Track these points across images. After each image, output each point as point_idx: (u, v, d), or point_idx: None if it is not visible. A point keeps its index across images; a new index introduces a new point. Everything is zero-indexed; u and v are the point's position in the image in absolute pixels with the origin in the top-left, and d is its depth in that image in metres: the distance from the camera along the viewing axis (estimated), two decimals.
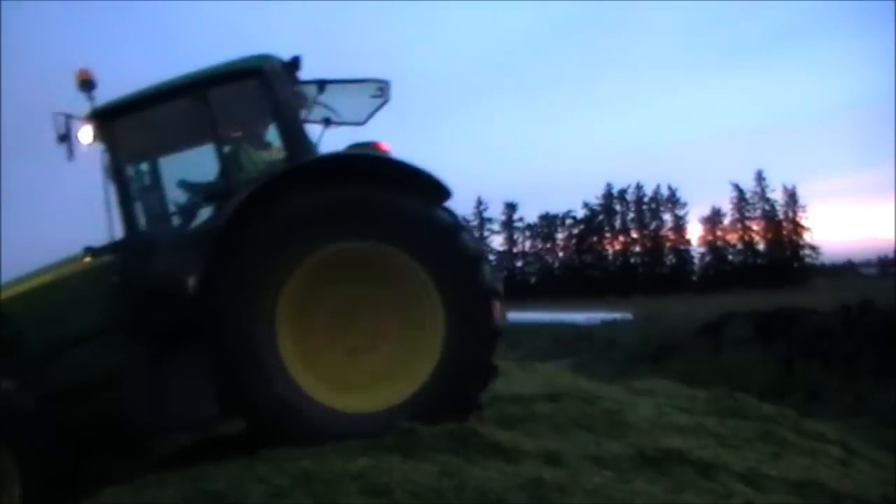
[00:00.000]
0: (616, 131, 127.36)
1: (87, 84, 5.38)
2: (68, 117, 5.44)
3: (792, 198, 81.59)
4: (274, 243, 4.89)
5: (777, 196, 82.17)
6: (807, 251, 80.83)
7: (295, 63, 5.69)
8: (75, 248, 5.82)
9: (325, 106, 6.02)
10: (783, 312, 19.02)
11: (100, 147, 5.62)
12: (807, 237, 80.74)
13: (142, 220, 5.71)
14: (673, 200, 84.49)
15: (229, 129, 5.84)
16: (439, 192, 5.03)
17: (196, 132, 5.96)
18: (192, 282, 5.19)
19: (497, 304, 4.94)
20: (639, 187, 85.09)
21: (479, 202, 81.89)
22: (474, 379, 4.94)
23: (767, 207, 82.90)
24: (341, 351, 5.10)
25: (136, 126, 5.72)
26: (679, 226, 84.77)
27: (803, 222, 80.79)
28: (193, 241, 5.45)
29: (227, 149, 5.76)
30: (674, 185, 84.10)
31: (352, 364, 5.09)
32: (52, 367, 5.35)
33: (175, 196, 6.06)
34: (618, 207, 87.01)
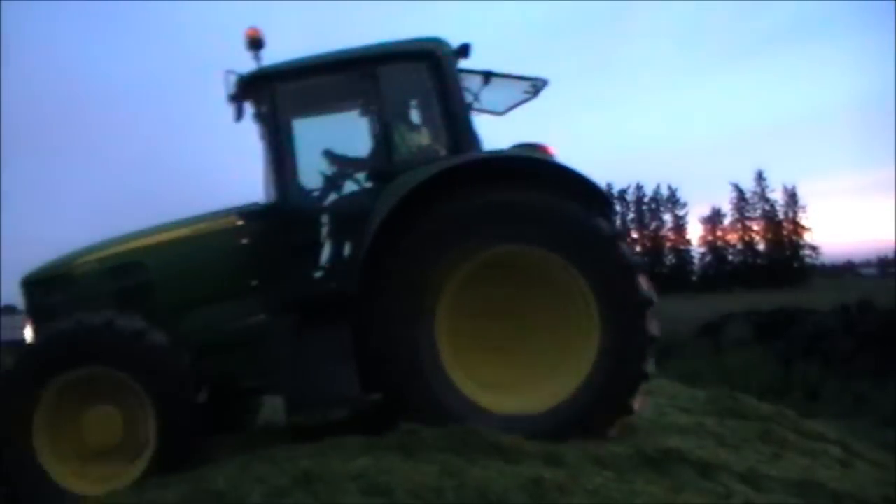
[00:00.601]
0: (616, 131, 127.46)
1: (255, 43, 5.36)
2: (241, 77, 5.45)
3: (792, 198, 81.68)
4: (440, 240, 4.90)
5: (777, 196, 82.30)
6: (807, 251, 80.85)
7: (464, 50, 5.65)
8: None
9: (469, 90, 5.90)
10: (783, 312, 19.06)
11: (259, 107, 5.61)
12: (807, 237, 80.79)
13: (289, 186, 5.62)
14: (673, 200, 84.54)
15: (392, 107, 5.74)
16: (601, 200, 5.08)
17: (359, 106, 6.01)
18: (337, 259, 5.28)
19: (651, 314, 4.93)
20: (639, 187, 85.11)
21: None
22: (625, 386, 4.92)
23: (767, 207, 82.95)
24: (493, 352, 5.09)
25: (301, 91, 5.72)
26: (679, 226, 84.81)
27: (803, 222, 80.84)
28: (343, 217, 5.47)
29: (386, 127, 5.66)
30: (674, 185, 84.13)
31: (503, 366, 5.07)
32: (182, 320, 5.37)
33: (324, 166, 5.97)
34: (618, 207, 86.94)
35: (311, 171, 5.82)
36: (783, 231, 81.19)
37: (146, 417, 4.89)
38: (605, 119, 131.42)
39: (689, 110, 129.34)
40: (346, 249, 5.43)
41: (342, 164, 5.91)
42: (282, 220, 5.44)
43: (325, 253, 5.55)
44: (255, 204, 5.78)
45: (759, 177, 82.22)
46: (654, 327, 4.91)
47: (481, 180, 4.91)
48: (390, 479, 3.76)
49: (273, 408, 8.73)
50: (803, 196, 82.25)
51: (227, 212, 5.79)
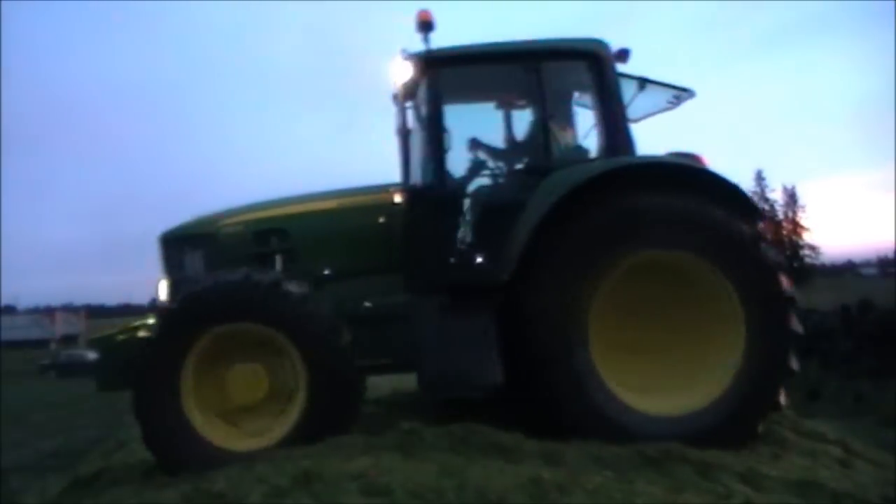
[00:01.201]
0: None
1: (426, 25, 5.40)
2: (411, 56, 5.50)
3: (792, 198, 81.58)
4: (599, 240, 4.97)
5: (777, 196, 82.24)
6: (807, 251, 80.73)
7: (623, 55, 5.73)
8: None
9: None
10: None
11: (417, 88, 5.66)
12: (807, 237, 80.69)
13: (443, 169, 5.63)
14: None
15: (551, 103, 5.78)
16: (747, 206, 5.20)
17: (519, 98, 6.05)
18: (486, 246, 5.33)
19: (792, 311, 5.08)
20: None
21: None
22: (773, 383, 5.06)
23: (767, 207, 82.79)
24: (639, 353, 5.17)
25: (465, 77, 5.79)
26: None
27: (803, 222, 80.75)
28: (495, 206, 5.51)
29: (544, 122, 5.70)
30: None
31: (650, 367, 5.15)
32: (320, 291, 5.36)
33: (476, 153, 6.04)
34: None
35: (463, 157, 5.92)
36: (783, 231, 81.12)
37: (291, 374, 4.92)
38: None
39: (689, 110, 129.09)
40: (497, 238, 5.42)
41: (494, 154, 6.02)
42: (432, 203, 5.48)
43: (475, 239, 5.60)
44: (405, 184, 5.79)
45: (759, 177, 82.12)
46: (796, 324, 5.07)
47: (635, 184, 5.03)
48: (390, 478, 3.76)
49: None
50: (803, 196, 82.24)
51: (376, 189, 5.91)
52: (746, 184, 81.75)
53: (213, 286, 4.98)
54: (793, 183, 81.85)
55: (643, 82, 5.97)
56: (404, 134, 5.97)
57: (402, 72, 5.55)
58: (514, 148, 6.07)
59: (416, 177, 5.76)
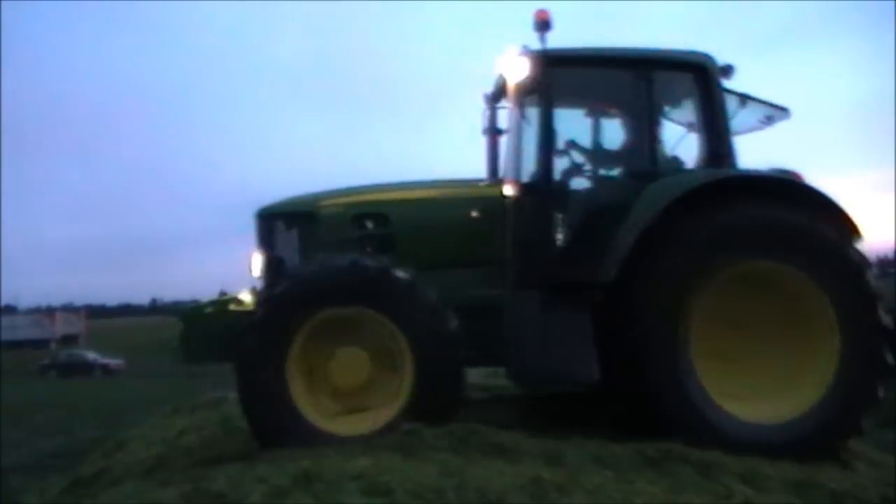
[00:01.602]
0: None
1: (543, 24, 5.47)
2: (527, 52, 5.55)
3: None
4: (705, 248, 5.12)
5: None
6: None
7: (728, 70, 5.88)
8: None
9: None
10: None
11: (531, 86, 5.66)
12: None
13: (549, 167, 5.73)
14: None
15: (658, 111, 5.97)
16: (851, 227, 5.33)
17: (627, 104, 6.13)
18: (588, 246, 5.40)
19: (881, 307, 5.26)
20: None
21: None
22: (871, 380, 5.20)
23: None
24: (735, 360, 5.29)
25: (575, 79, 5.92)
26: None
27: None
28: (598, 207, 5.63)
29: (651, 129, 5.88)
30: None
31: (746, 374, 5.27)
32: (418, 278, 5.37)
33: (579, 154, 6.12)
34: None
35: (566, 156, 6.01)
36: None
37: (396, 360, 4.96)
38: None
39: None
40: (598, 237, 5.47)
41: (592, 156, 6.13)
42: (540, 199, 5.57)
43: (576, 237, 5.66)
44: (508, 179, 5.85)
45: None
46: (885, 318, 5.24)
47: (741, 195, 5.18)
48: (390, 478, 3.75)
49: None
50: None
51: (475, 182, 6.03)
52: None
53: (322, 270, 5.00)
54: None
55: (744, 98, 6.13)
56: (493, 131, 6.24)
57: (517, 68, 5.61)
58: (611, 152, 6.18)
59: (511, 173, 5.87)
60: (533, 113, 5.75)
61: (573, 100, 6.33)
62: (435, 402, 4.84)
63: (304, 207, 5.92)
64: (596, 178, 6.09)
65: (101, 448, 8.51)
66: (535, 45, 5.50)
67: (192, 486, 3.96)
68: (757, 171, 5.58)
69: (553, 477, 3.87)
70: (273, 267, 5.79)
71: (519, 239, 5.51)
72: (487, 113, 6.72)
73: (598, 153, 6.19)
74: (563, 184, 5.92)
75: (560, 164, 5.95)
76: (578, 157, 6.07)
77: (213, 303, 6.01)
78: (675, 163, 5.97)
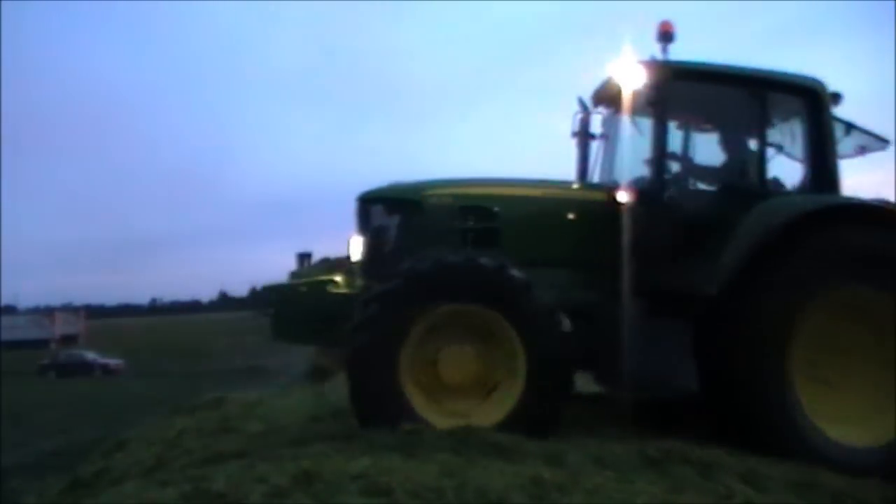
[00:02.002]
0: None
1: (667, 36, 5.57)
2: (647, 61, 5.65)
3: None
4: (813, 270, 5.18)
5: None
6: None
7: (836, 98, 5.97)
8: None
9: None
10: None
11: (646, 95, 5.77)
12: None
13: (657, 178, 5.83)
14: None
15: (769, 131, 6.03)
16: None
17: (738, 122, 6.17)
18: (693, 258, 5.43)
19: None
20: None
21: None
22: None
23: None
24: (831, 382, 5.35)
25: (690, 92, 5.96)
26: None
27: None
28: (703, 221, 5.64)
29: (762, 148, 5.95)
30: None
31: (841, 397, 5.33)
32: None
33: (685, 167, 6.22)
34: None
35: (672, 167, 6.07)
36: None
37: (505, 358, 4.98)
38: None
39: None
40: (701, 249, 5.51)
41: (699, 169, 6.20)
42: (645, 208, 5.61)
43: (680, 248, 5.66)
44: (620, 185, 5.89)
45: None
46: None
47: (845, 221, 5.26)
48: (390, 479, 3.75)
49: (273, 407, 8.74)
50: None
51: (584, 185, 6.14)
52: None
53: (440, 266, 4.99)
54: None
55: (849, 127, 6.22)
56: (585, 135, 6.34)
57: (636, 77, 5.71)
58: (714, 167, 6.22)
59: (613, 179, 5.97)
60: (641, 122, 5.87)
61: (681, 112, 6.35)
62: (544, 401, 4.87)
63: (410, 195, 5.91)
64: (699, 191, 6.16)
65: (101, 448, 8.52)
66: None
67: (192, 486, 3.96)
68: (866, 200, 5.68)
69: (553, 477, 3.87)
70: (375, 253, 5.83)
71: (625, 245, 5.52)
72: (580, 116, 6.77)
73: (700, 166, 6.25)
74: (671, 194, 5.94)
75: (654, 174, 5.96)
76: (681, 169, 6.14)
77: (308, 283, 6.04)
78: (778, 184, 6.03)
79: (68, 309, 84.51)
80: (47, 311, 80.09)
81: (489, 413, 4.91)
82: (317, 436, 5.06)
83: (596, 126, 6.79)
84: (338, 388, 9.73)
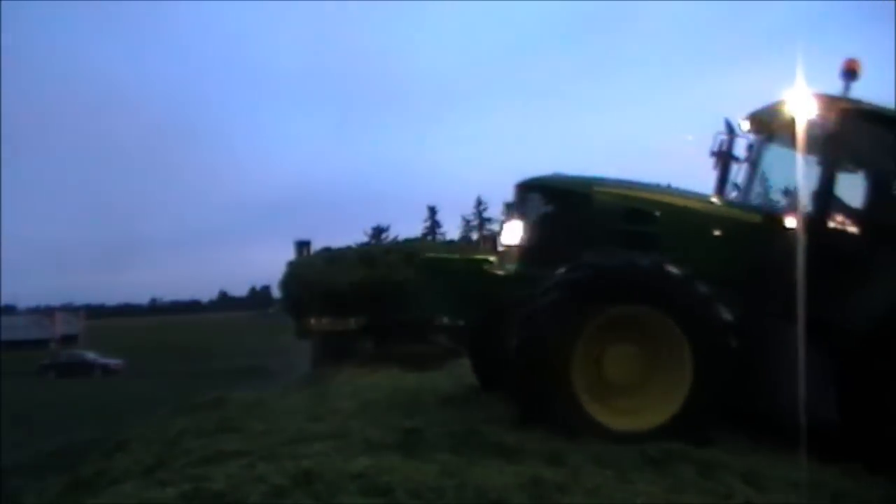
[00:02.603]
0: (616, 131, 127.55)
1: (851, 73, 5.61)
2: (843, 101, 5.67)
3: None
4: None
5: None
6: None
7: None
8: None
9: None
10: None
11: (822, 131, 5.78)
12: None
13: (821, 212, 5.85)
14: None
15: None
16: None
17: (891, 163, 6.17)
18: (846, 291, 5.43)
19: None
20: None
21: (479, 202, 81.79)
22: None
23: None
24: None
25: (863, 132, 5.97)
26: None
27: None
28: (848, 254, 5.70)
29: None
30: (674, 185, 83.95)
31: None
32: None
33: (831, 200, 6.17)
34: None
35: (826, 200, 6.01)
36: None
37: (671, 361, 5.01)
38: (606, 119, 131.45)
39: (689, 110, 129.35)
40: (855, 286, 5.53)
41: (855, 209, 6.17)
42: (805, 236, 5.54)
43: (833, 280, 5.59)
44: (778, 211, 6.01)
45: None
46: None
47: None
48: (390, 478, 3.75)
49: (273, 407, 8.73)
50: None
51: (740, 205, 6.18)
52: None
53: (624, 266, 5.04)
54: None
55: None
56: (728, 157, 6.45)
57: (812, 110, 5.76)
58: (867, 204, 6.19)
59: (765, 204, 6.13)
60: (794, 152, 5.92)
61: (846, 150, 6.27)
62: (715, 400, 4.90)
63: (577, 188, 5.97)
64: (852, 226, 6.12)
65: (101, 448, 8.50)
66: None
67: (192, 486, 3.96)
68: None
69: (553, 477, 3.87)
70: (536, 241, 5.86)
71: (780, 268, 5.53)
72: (724, 137, 6.78)
73: (849, 204, 6.23)
74: (830, 226, 5.96)
75: (814, 206, 5.96)
76: (835, 203, 6.11)
77: (465, 259, 6.21)
78: None
79: (68, 309, 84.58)
80: (47, 311, 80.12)
81: (655, 412, 4.95)
82: (317, 436, 5.04)
83: (739, 149, 6.86)
84: (339, 389, 9.73)
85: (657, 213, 5.84)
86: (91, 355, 46.57)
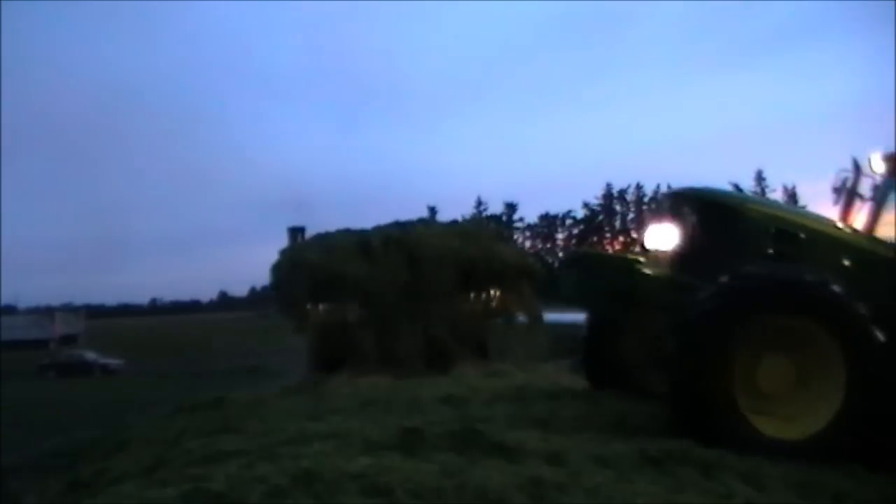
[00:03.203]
0: (616, 131, 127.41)
1: None
2: None
3: (792, 198, 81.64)
4: None
5: (777, 196, 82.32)
6: None
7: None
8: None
9: None
10: None
11: None
12: None
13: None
14: None
15: None
16: None
17: None
18: None
19: None
20: (639, 187, 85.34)
21: (479, 202, 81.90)
22: None
23: None
24: None
25: None
26: None
27: None
28: None
29: None
30: (674, 186, 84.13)
31: None
32: None
33: None
34: (618, 207, 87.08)
35: None
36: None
37: (824, 372, 5.05)
38: (605, 119, 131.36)
39: (689, 110, 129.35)
40: None
41: None
42: None
43: None
44: None
45: (759, 177, 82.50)
46: None
47: None
48: (390, 478, 3.75)
49: (273, 407, 8.72)
50: (803, 196, 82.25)
51: (878, 240, 6.21)
52: (746, 184, 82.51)
53: (792, 279, 5.15)
54: (793, 183, 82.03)
55: None
56: (852, 194, 6.58)
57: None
58: None
59: None
60: None
61: None
62: (867, 406, 4.92)
63: (731, 203, 6.25)
64: None
65: (101, 448, 8.49)
66: None
67: (192, 486, 3.96)
68: None
69: (553, 477, 3.86)
70: (689, 249, 6.02)
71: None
72: (850, 175, 6.84)
73: None
74: None
75: None
76: None
77: (618, 257, 6.65)
78: None
79: (68, 309, 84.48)
80: (47, 311, 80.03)
81: (811, 422, 5.00)
82: (317, 436, 5.04)
83: (864, 187, 6.87)
84: (339, 389, 9.72)
85: (802, 235, 5.99)
86: (91, 355, 46.52)
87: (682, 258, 6.10)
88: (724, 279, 5.19)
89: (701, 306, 5.10)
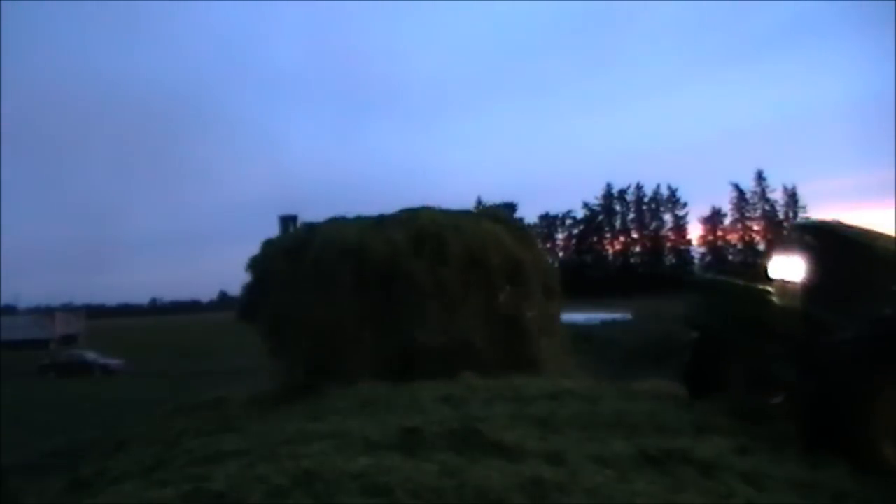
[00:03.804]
0: (616, 131, 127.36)
1: None
2: None
3: (792, 198, 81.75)
4: None
5: (777, 196, 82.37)
6: None
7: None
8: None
9: None
10: None
11: None
12: None
13: None
14: (673, 200, 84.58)
15: None
16: None
17: None
18: None
19: None
20: (639, 187, 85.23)
21: (479, 202, 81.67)
22: None
23: (767, 207, 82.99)
24: None
25: None
26: (679, 226, 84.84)
27: None
28: None
29: None
30: (674, 185, 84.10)
31: None
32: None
33: None
34: (618, 207, 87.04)
35: None
36: (783, 231, 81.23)
37: None
38: (605, 119, 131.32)
39: (688, 110, 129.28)
40: None
41: None
42: None
43: None
44: None
45: (759, 177, 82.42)
46: None
47: None
48: (390, 478, 3.75)
49: (273, 407, 8.73)
50: (803, 196, 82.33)
51: None
52: (746, 184, 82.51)
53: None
54: (793, 183, 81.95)
55: None
56: None
57: None
58: None
59: None
60: None
61: None
62: None
63: (862, 239, 6.20)
64: None
65: (101, 448, 8.50)
66: None
67: (192, 485, 3.96)
68: None
69: (553, 477, 3.86)
70: (818, 283, 6.06)
71: None
72: None
73: None
74: None
75: None
76: None
77: (746, 286, 6.64)
78: None
79: (68, 309, 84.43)
80: (47, 311, 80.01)
81: None
82: (317, 436, 5.04)
83: None
84: (338, 389, 9.71)
85: (875, 246, 5.99)
86: (91, 355, 46.48)
87: (812, 291, 6.13)
88: (863, 320, 5.19)
89: (846, 349, 5.08)
